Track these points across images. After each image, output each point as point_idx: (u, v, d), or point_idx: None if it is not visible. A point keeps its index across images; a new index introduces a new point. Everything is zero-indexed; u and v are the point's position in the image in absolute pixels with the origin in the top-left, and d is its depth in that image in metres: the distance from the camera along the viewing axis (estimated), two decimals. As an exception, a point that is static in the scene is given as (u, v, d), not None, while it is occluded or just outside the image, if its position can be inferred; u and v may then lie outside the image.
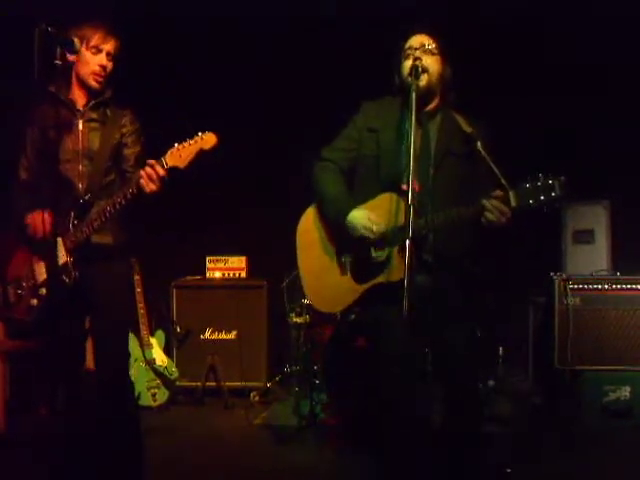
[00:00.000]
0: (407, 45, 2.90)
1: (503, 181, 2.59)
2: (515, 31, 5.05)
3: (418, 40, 2.89)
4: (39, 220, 2.82)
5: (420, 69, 2.78)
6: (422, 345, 2.97)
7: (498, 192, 2.60)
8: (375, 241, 2.78)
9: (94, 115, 3.00)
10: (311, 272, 3.01)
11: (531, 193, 2.54)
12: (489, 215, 2.60)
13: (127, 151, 3.04)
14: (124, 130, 3.04)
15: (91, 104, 2.98)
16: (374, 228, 2.76)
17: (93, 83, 2.95)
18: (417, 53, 2.84)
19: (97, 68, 2.92)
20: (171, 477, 3.59)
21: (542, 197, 2.53)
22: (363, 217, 2.79)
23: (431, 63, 2.85)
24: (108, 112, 3.03)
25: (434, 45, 2.88)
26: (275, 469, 3.74)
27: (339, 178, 2.97)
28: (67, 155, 2.94)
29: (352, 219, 2.81)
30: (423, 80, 2.80)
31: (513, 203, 2.56)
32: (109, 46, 2.94)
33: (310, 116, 5.31)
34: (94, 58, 2.92)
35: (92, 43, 2.91)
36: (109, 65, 2.97)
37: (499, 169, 2.63)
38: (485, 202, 2.60)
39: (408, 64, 2.83)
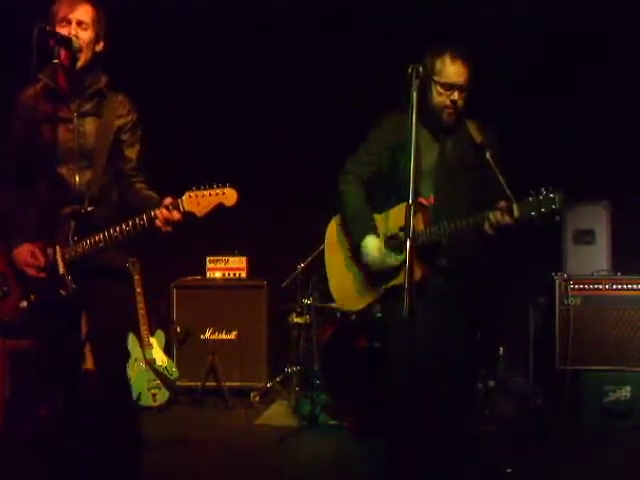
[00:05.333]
0: (444, 78, 2.87)
1: (508, 192, 2.72)
2: (516, 31, 5.05)
3: (456, 74, 2.88)
4: (26, 256, 2.76)
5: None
6: (427, 344, 3.01)
7: (502, 203, 2.72)
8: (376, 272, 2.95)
9: (88, 107, 2.82)
10: (336, 272, 3.19)
11: (533, 206, 2.66)
12: (488, 230, 2.74)
13: (128, 151, 2.87)
14: (122, 122, 2.86)
15: (86, 94, 2.81)
16: (377, 264, 2.92)
17: (66, 59, 2.69)
18: (455, 95, 2.87)
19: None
20: (171, 477, 3.60)
21: (543, 209, 2.64)
22: (374, 249, 2.94)
23: (460, 98, 2.90)
24: (104, 101, 2.84)
25: (468, 77, 2.89)
26: (275, 469, 3.74)
27: (360, 194, 3.10)
28: (61, 154, 2.77)
29: (365, 246, 2.97)
30: (452, 117, 2.91)
31: (516, 214, 2.68)
32: (78, 14, 2.70)
33: (310, 116, 5.31)
34: (63, 30, 2.67)
35: (59, 16, 2.70)
36: (83, 35, 2.72)
37: (505, 178, 2.76)
38: (489, 214, 2.73)
39: (442, 100, 2.88)
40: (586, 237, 4.89)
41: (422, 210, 2.85)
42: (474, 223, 2.76)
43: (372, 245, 2.95)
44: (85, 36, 2.75)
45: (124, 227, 2.71)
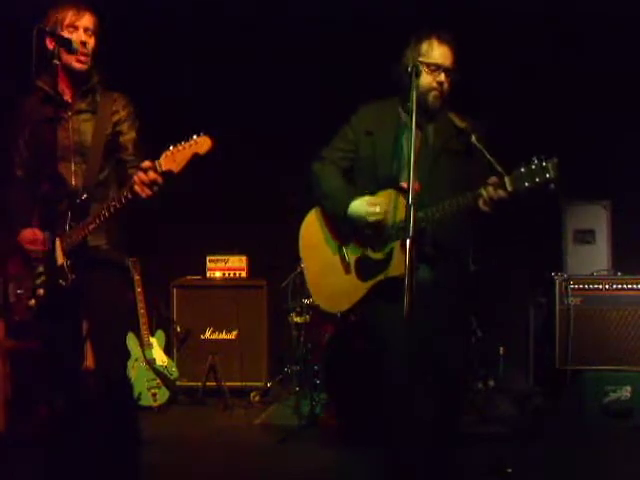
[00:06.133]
0: (431, 58, 2.85)
1: (498, 167, 2.65)
2: (515, 29, 5.05)
3: (442, 56, 2.85)
4: (31, 238, 2.83)
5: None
6: (421, 342, 2.99)
7: (494, 178, 2.65)
8: (381, 221, 2.81)
9: (83, 105, 2.89)
10: (315, 273, 3.06)
11: (526, 176, 2.59)
12: (483, 207, 2.66)
13: (123, 138, 2.92)
14: (117, 117, 2.92)
15: (79, 93, 2.87)
16: (377, 209, 2.80)
17: (77, 65, 2.79)
18: (441, 77, 2.83)
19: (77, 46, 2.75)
20: (171, 477, 3.59)
21: (537, 179, 2.57)
22: (362, 203, 2.82)
23: (447, 84, 2.87)
24: (98, 98, 2.91)
25: (453, 61, 2.86)
26: (275, 469, 3.74)
27: (337, 174, 3.00)
28: (59, 152, 2.83)
29: (353, 209, 2.84)
30: (438, 100, 2.86)
31: (509, 188, 2.62)
32: (85, 21, 2.79)
33: (310, 115, 5.31)
34: (71, 37, 2.74)
35: (66, 22, 2.77)
36: (90, 41, 2.81)
37: (494, 158, 2.69)
38: (481, 190, 2.65)
39: (428, 81, 2.84)
40: (586, 237, 4.89)
41: (405, 196, 2.68)
42: (465, 203, 2.68)
43: (360, 201, 2.82)
44: (92, 43, 2.82)
45: (111, 203, 2.72)
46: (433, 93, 2.86)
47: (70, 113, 2.87)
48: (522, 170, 2.59)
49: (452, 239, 2.87)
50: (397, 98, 2.99)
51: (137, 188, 2.62)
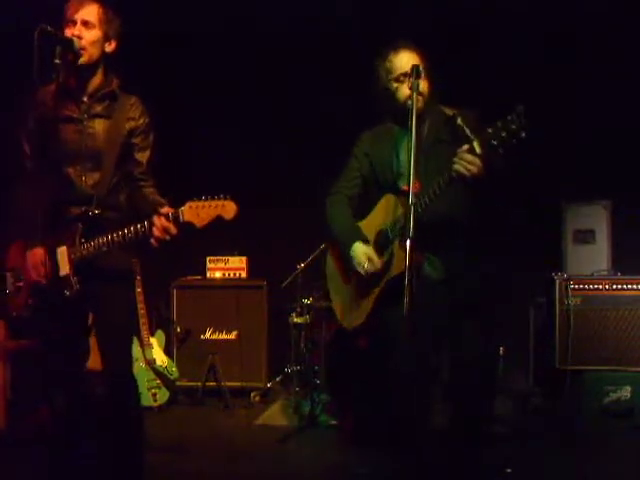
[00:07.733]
0: (398, 70, 2.88)
1: (468, 133, 2.63)
2: (515, 28, 5.05)
3: (408, 62, 2.84)
4: (33, 264, 2.75)
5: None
6: (427, 342, 2.98)
7: (464, 146, 2.64)
8: (365, 276, 2.96)
9: (99, 108, 2.82)
10: (338, 297, 3.23)
11: (493, 135, 2.56)
12: (457, 167, 2.64)
13: (138, 155, 2.87)
14: (133, 125, 2.85)
15: (97, 96, 2.82)
16: (365, 266, 2.93)
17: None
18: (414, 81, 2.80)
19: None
20: (171, 477, 3.59)
21: (504, 134, 2.53)
22: (361, 253, 2.97)
23: (424, 84, 2.87)
24: (115, 104, 2.84)
25: (423, 65, 2.84)
26: (275, 469, 3.74)
27: (346, 210, 3.14)
28: (69, 154, 2.78)
29: (353, 252, 3.00)
30: (420, 102, 2.83)
31: (478, 150, 2.60)
32: (83, 13, 2.72)
33: (311, 117, 5.31)
34: (69, 31, 2.71)
35: (66, 17, 2.73)
36: (87, 34, 2.73)
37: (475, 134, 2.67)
38: (455, 160, 2.65)
39: (405, 92, 2.86)
40: (586, 237, 4.89)
41: (404, 199, 2.73)
42: (446, 181, 2.68)
43: (359, 250, 2.97)
44: (89, 36, 2.75)
45: (126, 232, 2.70)
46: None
47: (85, 115, 2.81)
48: (489, 131, 2.57)
49: (451, 215, 2.85)
50: (389, 122, 3.07)
51: (156, 232, 2.62)
